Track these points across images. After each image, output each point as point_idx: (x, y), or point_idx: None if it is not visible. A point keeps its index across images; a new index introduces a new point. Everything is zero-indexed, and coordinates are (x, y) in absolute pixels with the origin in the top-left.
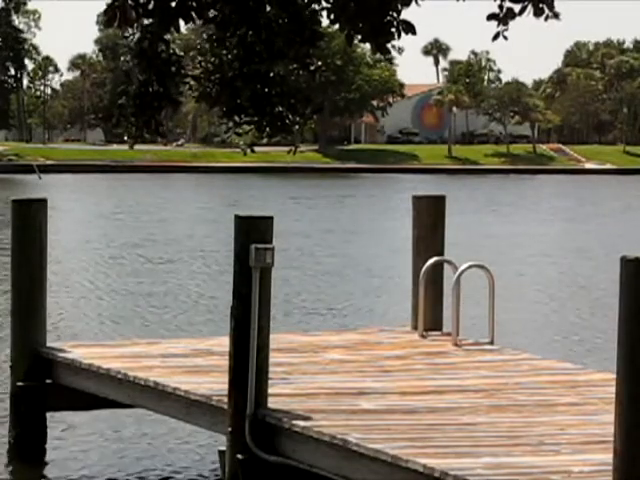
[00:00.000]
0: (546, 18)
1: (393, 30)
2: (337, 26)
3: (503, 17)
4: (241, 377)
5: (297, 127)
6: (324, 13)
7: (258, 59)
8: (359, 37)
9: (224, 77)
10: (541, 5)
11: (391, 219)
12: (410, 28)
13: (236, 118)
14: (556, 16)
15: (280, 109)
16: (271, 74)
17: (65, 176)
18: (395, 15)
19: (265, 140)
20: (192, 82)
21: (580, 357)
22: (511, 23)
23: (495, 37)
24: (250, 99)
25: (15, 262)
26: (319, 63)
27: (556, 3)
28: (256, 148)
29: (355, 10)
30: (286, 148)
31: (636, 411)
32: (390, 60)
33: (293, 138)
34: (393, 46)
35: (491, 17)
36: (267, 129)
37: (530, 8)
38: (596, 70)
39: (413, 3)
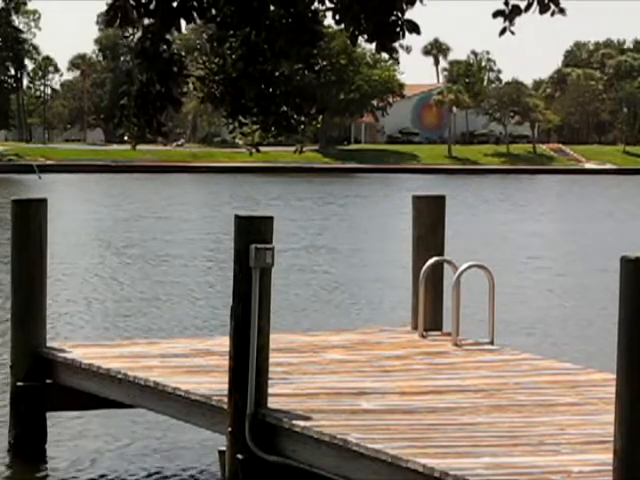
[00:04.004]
0: (552, 14)
1: (397, 30)
2: (339, 26)
3: (509, 14)
4: (241, 377)
5: (302, 126)
6: (328, 13)
7: (262, 59)
8: (364, 37)
9: (228, 77)
10: (547, 1)
11: (391, 219)
12: (414, 28)
13: (241, 118)
14: (562, 12)
15: (285, 109)
16: (276, 74)
17: (65, 176)
18: (399, 15)
19: (272, 138)
20: (197, 83)
21: (580, 357)
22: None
23: (502, 32)
24: (255, 99)
25: (15, 262)
26: (324, 63)
27: None
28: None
29: (359, 10)
30: (288, 148)
31: (636, 411)
32: (396, 60)
33: (299, 137)
34: (401, 45)
35: (497, 14)
36: (272, 129)
37: (536, 4)
38: (596, 70)
39: (418, 3)
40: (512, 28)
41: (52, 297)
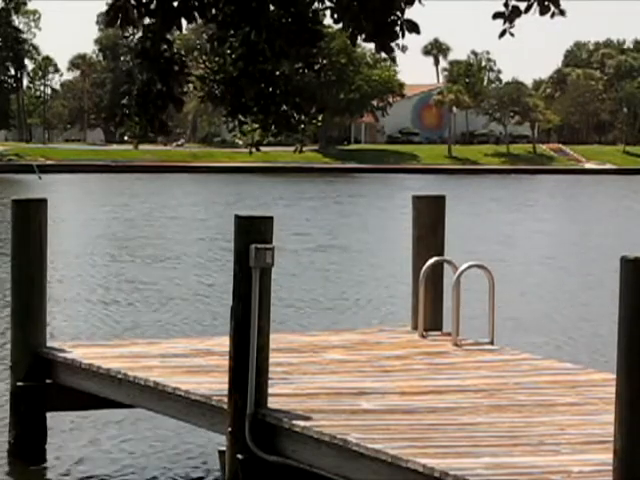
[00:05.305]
0: (552, 15)
1: (397, 29)
2: (338, 25)
3: (509, 15)
4: (241, 377)
5: (302, 126)
6: (327, 13)
7: (262, 58)
8: (363, 37)
9: (228, 76)
10: (547, 2)
11: (391, 219)
12: (414, 27)
13: (241, 117)
14: (562, 13)
15: (285, 108)
16: (276, 73)
17: (65, 176)
18: (399, 14)
19: (271, 138)
20: (197, 82)
21: (580, 357)
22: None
23: (502, 34)
24: (255, 98)
25: (15, 262)
26: (324, 62)
27: None
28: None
29: (358, 9)
30: (288, 148)
31: (636, 411)
32: (394, 59)
33: (299, 137)
34: (397, 44)
35: (497, 16)
36: (272, 128)
37: (536, 6)
38: (596, 70)
39: (417, 2)
40: (512, 30)
41: (52, 297)
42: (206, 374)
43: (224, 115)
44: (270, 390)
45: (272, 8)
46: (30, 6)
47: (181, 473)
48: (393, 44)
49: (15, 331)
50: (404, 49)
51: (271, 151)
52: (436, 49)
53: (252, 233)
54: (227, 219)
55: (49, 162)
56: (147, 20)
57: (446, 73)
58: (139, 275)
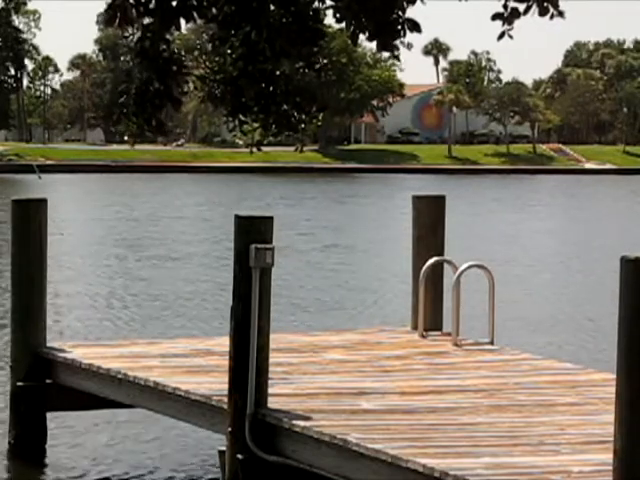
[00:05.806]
0: (551, 17)
1: (398, 28)
2: (339, 25)
3: (508, 16)
4: (241, 377)
5: (303, 125)
6: (329, 12)
7: (262, 58)
8: (365, 35)
9: (228, 76)
10: (546, 4)
11: (391, 219)
12: (415, 26)
13: (241, 117)
14: (561, 14)
15: (285, 108)
16: (276, 72)
17: (65, 176)
18: (400, 13)
19: (271, 138)
20: (197, 82)
21: (580, 357)
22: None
23: (500, 36)
24: (255, 98)
25: (15, 262)
26: (324, 61)
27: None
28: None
29: (359, 8)
30: (288, 148)
31: (636, 411)
32: (397, 57)
33: (299, 136)
34: (402, 42)
35: (496, 17)
36: (273, 127)
37: (535, 7)
38: (596, 70)
39: (418, 2)
40: (511, 32)
41: (52, 297)
42: (206, 374)
43: (224, 115)
44: (270, 390)
45: (272, 7)
46: (30, 6)
47: (181, 473)
48: (398, 42)
49: (15, 331)
50: (409, 46)
51: (271, 151)
52: (436, 49)
53: (252, 233)
54: (228, 219)
55: (49, 162)
56: (146, 20)
57: (446, 73)
58: (139, 275)
